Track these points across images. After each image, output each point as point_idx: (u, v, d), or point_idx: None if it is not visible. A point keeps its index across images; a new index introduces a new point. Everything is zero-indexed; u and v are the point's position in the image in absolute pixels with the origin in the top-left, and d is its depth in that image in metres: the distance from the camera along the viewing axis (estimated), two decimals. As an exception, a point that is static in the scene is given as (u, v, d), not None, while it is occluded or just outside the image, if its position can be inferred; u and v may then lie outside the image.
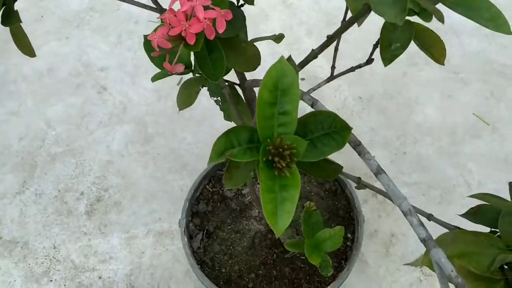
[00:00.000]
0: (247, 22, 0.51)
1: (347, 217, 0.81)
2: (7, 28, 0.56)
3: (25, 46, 0.54)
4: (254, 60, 0.55)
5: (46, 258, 1.04)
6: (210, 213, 0.83)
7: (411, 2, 0.42)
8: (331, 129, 0.41)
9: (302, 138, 0.40)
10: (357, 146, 0.43)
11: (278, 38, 0.62)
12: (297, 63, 0.56)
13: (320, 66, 1.28)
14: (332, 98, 1.23)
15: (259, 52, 0.55)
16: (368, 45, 0.59)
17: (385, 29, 0.55)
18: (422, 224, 0.39)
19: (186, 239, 0.77)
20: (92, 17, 1.39)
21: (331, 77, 0.66)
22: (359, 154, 0.44)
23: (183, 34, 0.42)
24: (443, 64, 0.58)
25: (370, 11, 0.45)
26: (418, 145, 1.15)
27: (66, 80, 1.29)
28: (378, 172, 0.41)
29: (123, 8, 1.41)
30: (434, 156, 1.14)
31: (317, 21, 1.37)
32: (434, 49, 0.59)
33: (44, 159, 1.17)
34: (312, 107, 0.47)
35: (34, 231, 1.08)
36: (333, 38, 0.45)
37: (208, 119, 1.19)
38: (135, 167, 1.15)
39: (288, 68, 0.39)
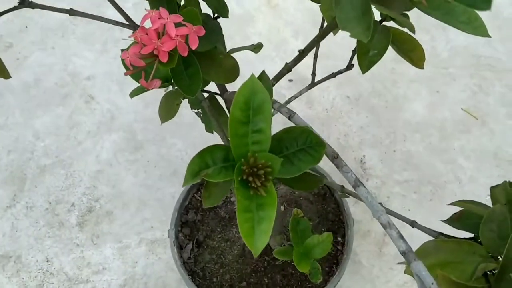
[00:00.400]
0: (233, 25, 0.51)
1: (336, 220, 0.81)
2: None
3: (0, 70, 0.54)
4: (232, 72, 0.55)
5: (39, 272, 1.03)
6: (199, 222, 0.82)
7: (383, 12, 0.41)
8: (306, 144, 0.41)
9: (277, 154, 0.40)
10: (335, 159, 0.43)
11: (256, 47, 0.62)
12: (284, 64, 0.55)
13: (309, 67, 1.27)
14: (320, 99, 1.22)
15: (237, 63, 0.54)
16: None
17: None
18: (401, 236, 0.39)
19: (176, 250, 0.77)
20: (76, 26, 1.38)
21: (312, 84, 0.66)
22: (337, 167, 0.43)
23: (155, 52, 0.42)
24: (423, 68, 0.58)
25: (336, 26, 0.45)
26: (407, 142, 1.15)
27: (53, 91, 1.28)
28: (356, 185, 0.41)
29: (107, 15, 1.40)
30: (424, 153, 1.13)
31: (303, 22, 1.36)
32: (413, 53, 0.59)
33: (34, 171, 1.16)
34: (289, 119, 0.47)
35: (27, 245, 1.07)
36: (304, 53, 0.45)
37: (198, 124, 1.18)
38: (125, 176, 1.15)
39: (259, 86, 0.39)
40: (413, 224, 0.53)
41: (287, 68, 0.49)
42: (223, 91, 0.63)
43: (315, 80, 0.65)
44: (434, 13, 0.44)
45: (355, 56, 0.59)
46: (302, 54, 0.46)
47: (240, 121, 0.39)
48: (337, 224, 0.80)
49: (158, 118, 1.17)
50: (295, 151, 0.41)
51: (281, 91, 1.25)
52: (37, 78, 1.31)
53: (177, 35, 0.41)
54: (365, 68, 0.55)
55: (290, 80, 1.27)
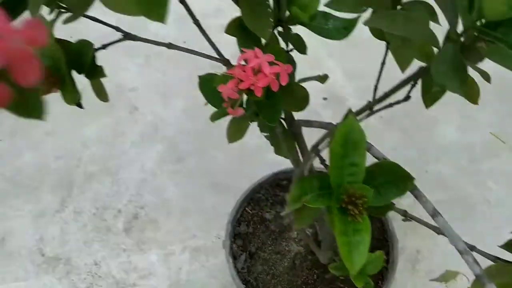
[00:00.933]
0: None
1: (381, 238, 0.86)
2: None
3: (102, 94, 0.60)
4: (303, 101, 0.61)
5: (88, 274, 1.09)
6: (251, 235, 0.88)
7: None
8: (393, 177, 0.46)
9: (368, 186, 0.45)
10: (414, 190, 0.49)
11: (322, 78, 0.68)
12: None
13: (343, 86, 1.33)
14: (356, 118, 1.28)
15: (308, 93, 0.60)
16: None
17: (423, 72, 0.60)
18: (476, 262, 0.44)
19: (231, 260, 0.83)
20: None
21: (371, 112, 0.71)
22: (416, 198, 0.49)
23: (251, 87, 0.48)
24: (477, 104, 0.64)
25: (425, 75, 0.51)
26: (439, 163, 1.21)
27: (98, 101, 1.34)
28: (435, 214, 0.47)
29: (150, 30, 1.47)
30: (454, 175, 1.19)
31: (338, 43, 1.42)
32: (470, 91, 0.64)
33: (81, 178, 1.22)
34: (368, 151, 0.53)
35: (75, 248, 1.13)
36: (373, 105, 0.50)
37: (237, 138, 1.25)
38: (168, 185, 1.20)
39: (356, 125, 0.45)
40: (472, 248, 0.58)
41: (369, 106, 0.55)
42: (290, 117, 0.69)
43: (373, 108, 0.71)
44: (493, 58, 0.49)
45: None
46: (370, 105, 0.52)
47: (340, 154, 0.44)
48: (381, 242, 0.86)
49: (200, 130, 1.23)
50: (383, 182, 0.47)
51: (317, 109, 1.31)
52: (83, 88, 1.37)
53: (271, 73, 0.47)
54: (429, 103, 0.61)
55: (325, 99, 1.33)
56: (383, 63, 0.68)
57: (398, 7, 0.62)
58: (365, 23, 0.46)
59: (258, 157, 1.19)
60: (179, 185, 1.20)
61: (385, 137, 1.25)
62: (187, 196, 1.19)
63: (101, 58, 1.43)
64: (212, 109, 0.62)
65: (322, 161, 0.55)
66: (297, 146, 0.71)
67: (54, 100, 1.30)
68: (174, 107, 1.32)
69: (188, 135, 1.28)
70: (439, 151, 1.22)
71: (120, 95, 1.35)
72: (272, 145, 0.71)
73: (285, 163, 1.16)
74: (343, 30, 0.55)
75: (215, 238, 1.13)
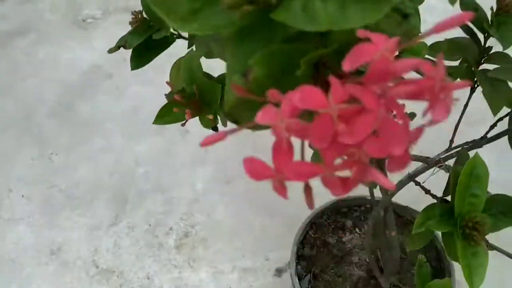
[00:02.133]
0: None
1: (438, 267, 0.92)
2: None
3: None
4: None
5: (141, 288, 1.13)
6: (314, 257, 0.93)
7: None
8: (505, 208, 0.52)
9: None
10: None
11: (410, 116, 0.74)
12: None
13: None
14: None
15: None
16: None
17: (511, 118, 0.67)
18: None
19: (296, 279, 0.87)
20: (171, 63, 1.51)
21: (449, 148, 0.77)
22: (518, 228, 0.55)
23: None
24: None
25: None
26: None
27: (150, 121, 1.40)
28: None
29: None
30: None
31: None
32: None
33: (134, 195, 1.27)
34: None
35: (128, 262, 1.17)
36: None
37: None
38: (218, 206, 1.25)
39: (481, 161, 0.51)
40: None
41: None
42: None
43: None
44: None
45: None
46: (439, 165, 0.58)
47: (465, 186, 0.50)
48: (438, 270, 0.91)
49: (249, 154, 1.29)
50: (496, 213, 0.52)
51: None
52: (136, 108, 1.43)
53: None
54: None
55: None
56: (466, 105, 0.75)
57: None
58: (490, 74, 0.52)
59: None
60: (229, 206, 1.25)
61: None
62: (236, 217, 1.23)
63: (153, 79, 1.48)
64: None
65: (427, 191, 0.61)
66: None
67: (104, 119, 1.36)
68: (223, 131, 1.38)
69: (236, 159, 1.33)
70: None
71: (171, 117, 1.41)
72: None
73: (328, 193, 1.22)
74: (448, 75, 0.62)
75: (264, 260, 1.17)
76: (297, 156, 0.22)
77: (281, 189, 0.22)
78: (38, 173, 1.30)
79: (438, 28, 0.20)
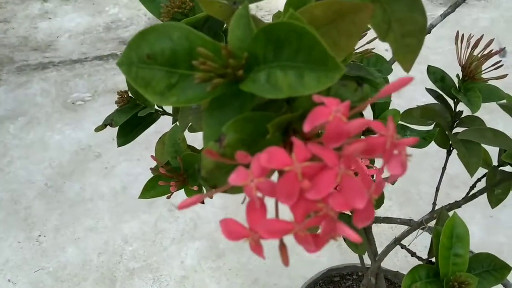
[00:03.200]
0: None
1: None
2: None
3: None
4: (379, 202, 0.68)
5: None
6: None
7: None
8: (490, 267, 0.53)
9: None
10: (505, 282, 0.55)
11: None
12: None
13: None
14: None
15: (384, 195, 0.68)
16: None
17: (488, 178, 0.69)
18: None
19: None
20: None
21: (432, 211, 0.79)
22: (504, 286, 0.55)
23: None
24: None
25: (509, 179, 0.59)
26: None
27: (138, 199, 1.40)
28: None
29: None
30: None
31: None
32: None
33: (123, 274, 1.24)
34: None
35: None
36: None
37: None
38: (209, 282, 1.23)
39: (460, 220, 0.52)
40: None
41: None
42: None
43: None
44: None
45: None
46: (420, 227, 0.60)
47: (446, 247, 0.51)
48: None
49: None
50: (481, 272, 0.53)
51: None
52: (124, 186, 1.44)
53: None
54: (494, 204, 0.69)
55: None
56: (444, 168, 0.77)
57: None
58: (460, 136, 0.55)
59: (295, 254, 1.24)
60: (220, 282, 1.23)
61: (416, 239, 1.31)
62: (228, 293, 1.21)
63: (141, 158, 1.50)
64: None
65: (413, 254, 0.61)
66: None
67: (97, 198, 1.36)
68: (212, 205, 1.38)
69: (226, 233, 1.32)
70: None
71: (159, 193, 1.41)
72: (346, 241, 0.77)
73: (320, 262, 1.21)
74: (422, 140, 0.64)
75: (257, 337, 1.14)
76: (271, 214, 0.23)
77: (257, 248, 0.23)
78: (25, 256, 1.27)
79: (382, 93, 0.22)
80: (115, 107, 0.72)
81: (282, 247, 0.25)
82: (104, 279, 1.23)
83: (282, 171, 0.21)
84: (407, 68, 0.33)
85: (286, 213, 0.23)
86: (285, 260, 0.24)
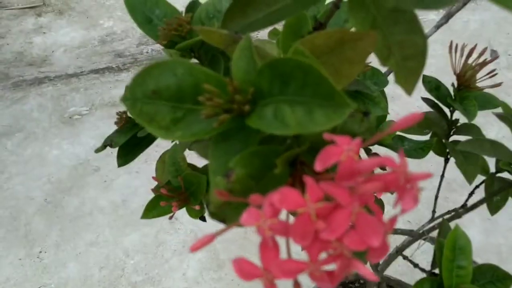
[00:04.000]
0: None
1: None
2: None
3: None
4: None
5: None
6: None
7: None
8: (493, 278, 0.53)
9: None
10: None
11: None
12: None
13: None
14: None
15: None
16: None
17: (486, 185, 0.70)
18: None
19: None
20: (158, 152, 1.54)
21: (432, 219, 0.79)
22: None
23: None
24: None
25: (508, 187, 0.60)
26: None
27: (139, 211, 1.40)
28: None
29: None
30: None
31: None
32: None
33: (125, 288, 1.24)
34: None
35: None
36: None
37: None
38: (211, 294, 1.23)
39: (462, 232, 0.52)
40: None
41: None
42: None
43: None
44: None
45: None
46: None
47: (449, 259, 0.51)
48: None
49: (238, 238, 1.30)
50: (484, 283, 0.53)
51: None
52: (124, 199, 1.44)
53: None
54: (493, 211, 0.70)
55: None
56: (442, 176, 0.77)
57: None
58: (458, 147, 0.55)
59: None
60: (222, 293, 1.23)
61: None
62: (231, 304, 1.21)
63: (140, 170, 1.49)
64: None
65: (415, 265, 0.61)
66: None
67: (97, 212, 1.36)
68: (212, 216, 1.38)
69: (227, 243, 1.33)
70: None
71: (159, 206, 1.41)
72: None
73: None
74: (420, 150, 0.65)
75: None
76: (284, 254, 0.23)
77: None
78: (26, 273, 1.27)
79: (391, 130, 0.23)
80: (113, 120, 0.72)
81: (297, 286, 0.25)
82: (106, 294, 1.23)
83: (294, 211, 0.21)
84: (409, 91, 0.34)
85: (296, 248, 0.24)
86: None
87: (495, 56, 0.65)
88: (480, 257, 1.28)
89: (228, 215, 0.26)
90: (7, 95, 1.83)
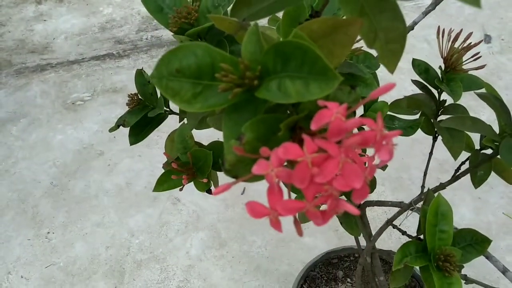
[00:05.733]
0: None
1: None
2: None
3: (216, 182, 0.72)
4: (371, 186, 0.74)
5: None
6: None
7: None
8: (472, 241, 0.59)
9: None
10: (487, 254, 0.61)
11: (383, 167, 0.82)
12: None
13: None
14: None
15: (376, 179, 0.74)
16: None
17: (471, 160, 0.75)
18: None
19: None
20: (159, 137, 1.60)
21: (421, 193, 0.85)
22: (487, 258, 0.61)
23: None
24: (511, 184, 0.78)
25: (486, 161, 0.65)
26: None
27: (142, 193, 1.46)
28: (505, 270, 0.59)
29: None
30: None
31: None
32: (505, 173, 0.79)
33: (131, 266, 1.30)
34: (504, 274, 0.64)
35: (129, 334, 1.18)
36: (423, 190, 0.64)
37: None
38: (213, 270, 1.29)
39: (443, 200, 0.58)
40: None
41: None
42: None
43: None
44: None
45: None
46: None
47: (432, 224, 0.57)
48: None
49: (238, 218, 1.36)
50: (464, 245, 0.59)
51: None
52: (128, 182, 1.49)
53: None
54: (477, 184, 0.75)
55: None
56: (431, 153, 0.83)
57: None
58: (442, 124, 0.61)
59: (294, 241, 1.31)
60: (224, 269, 1.29)
61: (406, 222, 1.38)
62: (232, 280, 1.27)
63: (142, 154, 1.54)
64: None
65: (403, 232, 0.67)
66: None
67: (102, 194, 1.41)
68: (214, 197, 1.44)
69: (228, 223, 1.38)
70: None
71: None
72: (342, 225, 0.83)
73: (319, 247, 1.27)
74: (409, 129, 0.70)
75: (262, 319, 1.20)
76: (286, 196, 0.28)
77: (276, 224, 0.29)
78: (36, 253, 1.33)
79: (370, 97, 0.28)
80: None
81: (296, 222, 0.30)
82: (113, 272, 1.29)
83: (294, 162, 0.27)
84: (391, 70, 0.39)
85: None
86: (299, 231, 0.30)
87: (479, 41, 0.71)
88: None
89: (240, 171, 0.31)
90: (10, 82, 1.87)
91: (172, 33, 0.55)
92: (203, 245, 1.34)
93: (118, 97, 1.74)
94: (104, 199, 1.45)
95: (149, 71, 0.48)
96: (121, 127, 0.70)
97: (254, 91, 0.31)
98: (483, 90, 0.79)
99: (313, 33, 0.34)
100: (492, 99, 0.61)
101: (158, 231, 1.37)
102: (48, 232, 1.38)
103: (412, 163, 1.49)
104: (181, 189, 0.63)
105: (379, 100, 0.73)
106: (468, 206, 1.41)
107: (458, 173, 0.65)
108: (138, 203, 1.44)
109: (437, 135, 0.81)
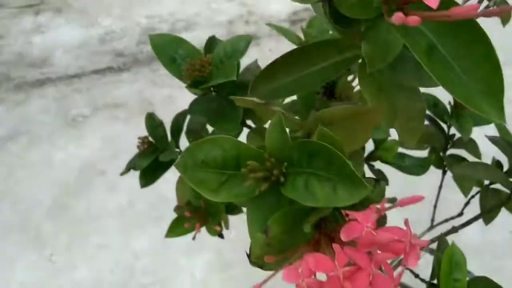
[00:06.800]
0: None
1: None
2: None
3: (226, 223, 0.71)
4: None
5: None
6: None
7: None
8: (486, 290, 0.59)
9: (468, 296, 0.57)
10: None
11: (392, 201, 0.82)
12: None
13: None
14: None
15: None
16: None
17: (481, 198, 0.75)
18: None
19: None
20: (162, 154, 1.59)
21: (431, 227, 0.85)
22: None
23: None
24: None
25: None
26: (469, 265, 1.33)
27: (146, 214, 1.46)
28: (519, 317, 0.59)
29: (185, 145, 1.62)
30: (481, 272, 1.31)
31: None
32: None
33: (136, 289, 1.30)
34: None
35: None
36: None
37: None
38: (219, 293, 1.29)
39: (458, 249, 0.58)
40: None
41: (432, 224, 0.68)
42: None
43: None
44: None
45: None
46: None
47: (447, 273, 0.57)
48: None
49: (242, 240, 1.35)
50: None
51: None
52: (130, 200, 1.49)
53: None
54: (487, 222, 0.75)
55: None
56: (440, 187, 0.83)
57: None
58: (456, 171, 0.61)
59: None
60: (229, 291, 1.29)
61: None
62: (237, 302, 1.27)
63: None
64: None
65: (416, 275, 0.67)
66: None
67: (101, 216, 1.40)
68: (217, 217, 1.43)
69: (232, 244, 1.38)
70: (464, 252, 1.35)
71: (166, 207, 1.46)
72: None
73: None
74: (420, 167, 0.70)
75: None
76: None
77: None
78: (39, 276, 1.32)
79: (400, 203, 0.28)
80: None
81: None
82: (118, 295, 1.28)
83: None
84: (412, 145, 0.39)
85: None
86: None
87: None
88: (476, 255, 1.34)
89: (265, 263, 0.31)
90: (10, 98, 1.86)
91: (185, 86, 0.55)
92: (208, 267, 1.34)
93: (119, 112, 1.73)
94: (107, 219, 1.44)
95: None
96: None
97: (279, 185, 0.31)
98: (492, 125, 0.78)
99: (335, 117, 0.34)
100: (504, 143, 0.61)
101: (162, 253, 1.37)
102: (51, 254, 1.37)
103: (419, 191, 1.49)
104: (193, 238, 0.62)
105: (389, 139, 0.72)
106: (475, 226, 1.40)
107: (469, 219, 0.65)
108: (142, 223, 1.43)
109: (446, 169, 0.81)
